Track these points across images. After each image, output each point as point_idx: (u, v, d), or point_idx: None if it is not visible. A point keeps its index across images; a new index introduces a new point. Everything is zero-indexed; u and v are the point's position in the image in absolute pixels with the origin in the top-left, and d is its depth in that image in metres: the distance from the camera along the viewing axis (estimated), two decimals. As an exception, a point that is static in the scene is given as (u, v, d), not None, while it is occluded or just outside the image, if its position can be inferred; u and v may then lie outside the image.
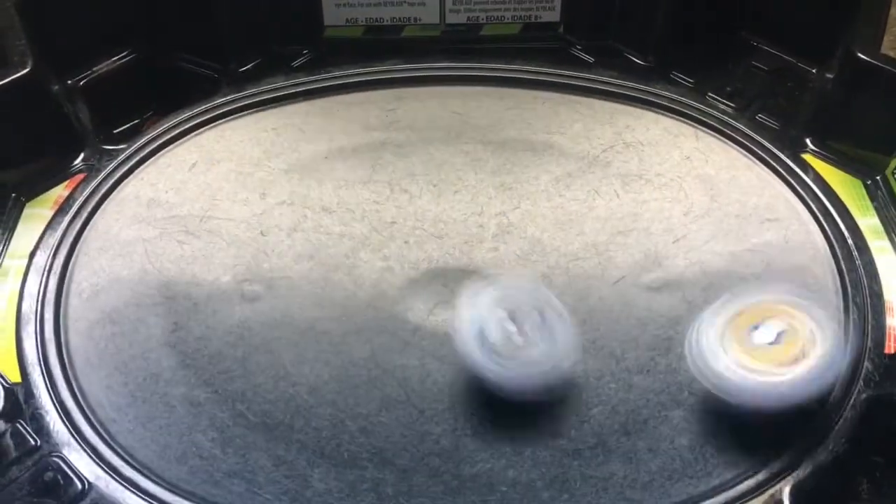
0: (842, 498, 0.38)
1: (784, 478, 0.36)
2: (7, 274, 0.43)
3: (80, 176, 0.48)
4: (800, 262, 0.44)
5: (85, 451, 0.37)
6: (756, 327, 0.36)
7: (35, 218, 0.46)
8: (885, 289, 0.42)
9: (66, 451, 0.37)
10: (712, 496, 0.36)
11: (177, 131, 0.50)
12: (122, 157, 0.49)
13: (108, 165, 0.48)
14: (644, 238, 0.45)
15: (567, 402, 0.39)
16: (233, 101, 0.51)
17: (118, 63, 0.55)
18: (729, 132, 0.50)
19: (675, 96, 0.51)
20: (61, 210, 0.46)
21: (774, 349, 0.36)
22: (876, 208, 0.46)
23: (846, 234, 0.45)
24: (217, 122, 0.51)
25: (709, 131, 0.50)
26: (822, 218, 0.45)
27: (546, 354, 0.37)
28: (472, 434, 0.38)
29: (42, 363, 0.40)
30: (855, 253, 0.44)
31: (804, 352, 0.35)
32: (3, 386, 0.39)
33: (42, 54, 0.48)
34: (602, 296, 0.43)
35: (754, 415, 0.36)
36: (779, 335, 0.36)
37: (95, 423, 0.38)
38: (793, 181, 0.47)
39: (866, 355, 0.40)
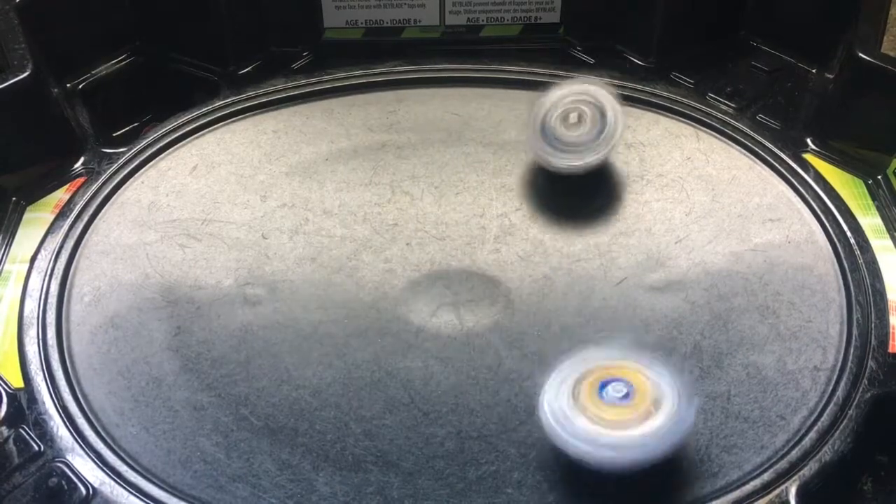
0: (847, 497, 0.38)
1: (790, 477, 0.36)
2: (8, 278, 0.43)
3: (81, 180, 0.48)
4: (802, 261, 0.44)
5: (89, 456, 0.37)
6: (604, 385, 0.35)
7: (36, 222, 0.46)
8: (887, 287, 0.42)
9: (69, 457, 0.37)
10: (718, 497, 0.36)
11: (177, 134, 0.50)
12: (122, 160, 0.48)
13: (108, 169, 0.48)
14: (646, 238, 0.45)
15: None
16: (233, 104, 0.51)
17: (118, 66, 0.55)
18: (730, 132, 0.50)
19: (675, 97, 0.51)
20: (62, 214, 0.46)
21: (624, 406, 0.35)
22: (877, 207, 0.46)
23: (848, 233, 0.45)
24: (217, 125, 0.51)
25: (710, 131, 0.50)
26: (824, 217, 0.45)
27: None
28: (476, 436, 0.38)
29: (44, 368, 0.40)
30: (857, 252, 0.44)
31: (653, 408, 0.35)
32: (6, 391, 0.39)
33: (42, 58, 0.48)
34: (605, 297, 0.43)
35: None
36: (627, 393, 0.35)
37: (99, 428, 0.38)
38: (794, 181, 0.47)
39: (870, 354, 0.40)
